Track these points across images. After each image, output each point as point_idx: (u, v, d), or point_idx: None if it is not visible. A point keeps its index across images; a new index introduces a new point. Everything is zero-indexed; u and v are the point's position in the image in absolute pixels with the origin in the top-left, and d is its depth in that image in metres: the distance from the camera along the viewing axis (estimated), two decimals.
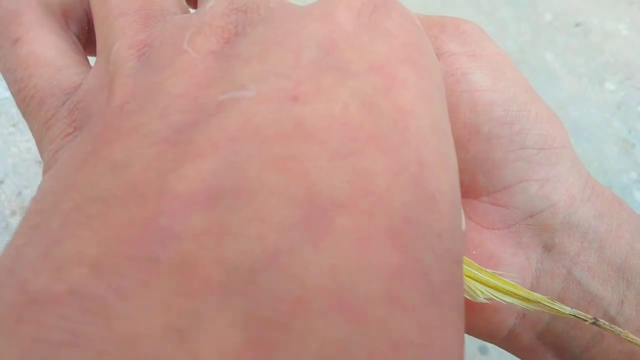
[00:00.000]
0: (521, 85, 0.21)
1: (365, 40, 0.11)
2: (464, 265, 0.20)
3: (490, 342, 0.21)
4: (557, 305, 0.19)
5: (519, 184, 0.20)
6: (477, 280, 0.20)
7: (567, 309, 0.18)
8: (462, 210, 0.13)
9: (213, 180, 0.09)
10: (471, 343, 0.48)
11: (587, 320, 0.18)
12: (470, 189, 0.21)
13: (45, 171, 0.13)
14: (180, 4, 0.14)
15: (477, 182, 0.21)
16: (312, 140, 0.10)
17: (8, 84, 0.14)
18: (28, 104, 0.14)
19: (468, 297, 0.19)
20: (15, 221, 0.64)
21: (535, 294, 0.19)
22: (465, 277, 0.20)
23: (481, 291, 0.19)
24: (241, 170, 0.09)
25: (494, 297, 0.19)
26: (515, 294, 0.19)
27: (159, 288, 0.08)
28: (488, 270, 0.20)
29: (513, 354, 0.21)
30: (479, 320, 0.21)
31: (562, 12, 0.58)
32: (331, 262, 0.09)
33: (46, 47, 0.14)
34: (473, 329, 0.21)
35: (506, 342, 0.21)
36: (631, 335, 0.18)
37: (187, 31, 0.12)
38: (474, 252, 0.21)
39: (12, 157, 0.64)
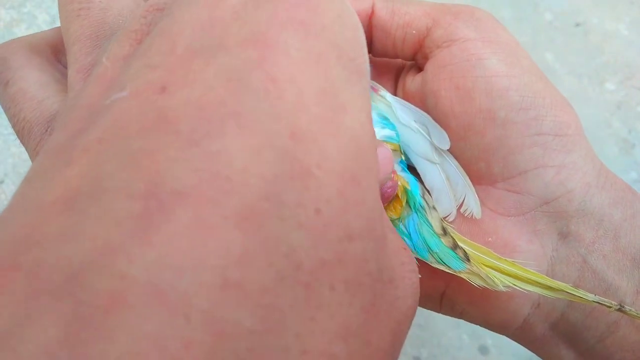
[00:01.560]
0: (535, 73, 0.21)
1: (250, 9, 0.11)
2: (481, 255, 0.20)
3: (503, 334, 0.21)
4: (581, 293, 0.18)
5: (534, 169, 0.20)
6: (496, 269, 0.19)
7: (591, 296, 0.18)
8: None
9: (74, 184, 0.09)
10: (471, 343, 0.48)
11: (611, 307, 0.18)
12: (486, 175, 0.21)
13: None
14: None
15: (493, 168, 0.20)
16: (168, 130, 0.10)
17: (9, 120, 0.16)
18: (22, 134, 0.15)
19: (487, 286, 0.19)
20: None
21: (558, 282, 0.19)
22: (484, 266, 0.19)
23: (500, 280, 0.19)
24: (99, 170, 0.10)
25: (514, 286, 0.19)
26: (537, 282, 0.19)
27: (13, 293, 0.09)
28: (508, 259, 0.19)
29: (525, 345, 0.21)
30: (492, 310, 0.20)
31: (562, 12, 0.58)
32: (158, 255, 0.09)
33: (30, 84, 0.16)
34: (486, 319, 0.21)
35: (519, 332, 0.20)
36: None
37: (111, 42, 0.13)
38: (489, 239, 0.20)
39: (12, 157, 0.64)
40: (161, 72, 0.10)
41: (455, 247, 0.20)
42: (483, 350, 0.60)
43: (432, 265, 0.20)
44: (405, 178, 0.21)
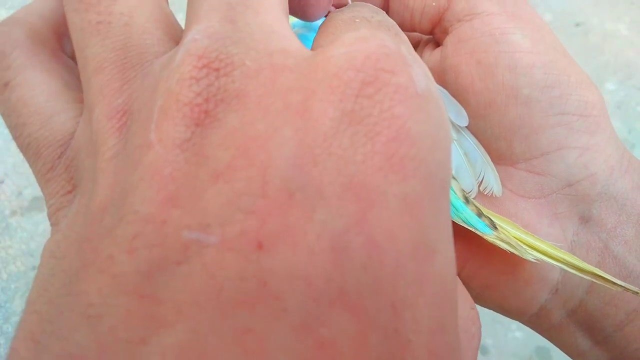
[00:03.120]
0: (560, 50, 0.20)
1: (345, 144, 0.10)
2: (508, 227, 0.19)
3: (518, 320, 0.20)
4: (610, 277, 0.18)
5: (557, 150, 0.19)
6: (523, 242, 0.19)
7: (619, 281, 0.18)
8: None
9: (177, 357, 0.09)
10: None
11: (638, 294, 0.18)
12: (506, 155, 0.20)
13: (52, 225, 0.12)
14: (164, 33, 0.13)
15: (514, 148, 0.20)
16: (274, 308, 0.09)
17: (9, 129, 0.14)
18: (25, 151, 0.13)
19: (516, 253, 0.18)
20: (15, 221, 0.64)
21: (587, 264, 0.18)
22: (513, 238, 0.19)
23: (530, 253, 0.18)
24: (202, 347, 0.09)
25: (543, 260, 0.18)
26: (566, 260, 0.18)
27: None
28: (534, 235, 0.19)
29: (540, 333, 0.21)
30: (509, 295, 0.20)
31: (562, 12, 0.58)
32: None
33: (35, 91, 0.13)
34: (501, 304, 0.20)
35: (535, 319, 0.20)
36: None
37: (156, 102, 0.11)
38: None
39: (12, 157, 0.64)
40: (255, 221, 0.09)
41: (480, 214, 0.19)
42: (483, 350, 0.60)
43: (460, 224, 0.19)
44: None
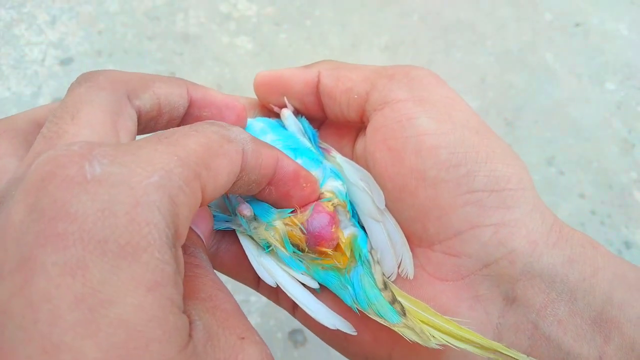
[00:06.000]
0: (471, 127, 0.19)
1: (24, 229, 0.12)
2: (418, 310, 0.19)
3: None
4: (513, 353, 0.17)
5: (469, 230, 0.19)
6: (431, 325, 0.18)
7: (523, 357, 0.17)
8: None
9: None
10: None
11: None
12: (423, 238, 0.20)
13: None
14: (19, 147, 0.17)
15: (428, 229, 0.19)
16: None
17: None
18: None
19: (420, 342, 0.18)
20: None
21: (491, 341, 0.18)
22: (419, 322, 0.18)
23: (434, 336, 0.18)
24: None
25: (447, 343, 0.18)
26: (470, 340, 0.18)
27: None
28: (444, 316, 0.19)
29: None
30: None
31: (562, 12, 0.58)
32: None
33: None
34: None
35: None
36: None
37: None
38: (428, 306, 0.19)
39: None
40: None
41: (393, 301, 0.19)
42: None
43: (370, 316, 0.20)
44: (355, 232, 0.21)
